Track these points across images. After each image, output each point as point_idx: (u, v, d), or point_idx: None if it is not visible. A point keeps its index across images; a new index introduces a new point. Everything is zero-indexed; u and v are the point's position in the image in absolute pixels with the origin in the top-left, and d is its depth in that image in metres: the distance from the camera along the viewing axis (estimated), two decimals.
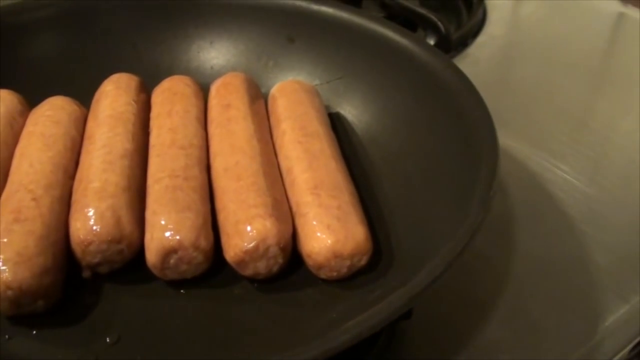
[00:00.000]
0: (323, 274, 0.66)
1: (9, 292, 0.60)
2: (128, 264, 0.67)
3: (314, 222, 0.66)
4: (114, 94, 0.79)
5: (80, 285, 0.67)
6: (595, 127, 0.95)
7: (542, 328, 0.69)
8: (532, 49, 1.11)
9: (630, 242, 0.78)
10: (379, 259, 0.68)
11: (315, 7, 0.89)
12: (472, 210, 0.61)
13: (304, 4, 0.89)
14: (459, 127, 0.71)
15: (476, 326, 0.70)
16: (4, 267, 0.60)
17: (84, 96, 0.82)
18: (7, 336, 0.62)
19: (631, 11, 1.17)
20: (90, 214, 0.65)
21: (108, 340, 0.62)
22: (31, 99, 0.81)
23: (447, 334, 0.69)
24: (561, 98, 1.00)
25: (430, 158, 0.74)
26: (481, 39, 1.12)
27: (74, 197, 0.68)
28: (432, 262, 0.57)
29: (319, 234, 0.65)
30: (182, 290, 0.67)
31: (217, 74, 0.86)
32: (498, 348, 0.68)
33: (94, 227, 0.64)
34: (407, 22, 1.10)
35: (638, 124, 0.94)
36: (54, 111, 0.77)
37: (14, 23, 0.86)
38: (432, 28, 1.05)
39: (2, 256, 0.60)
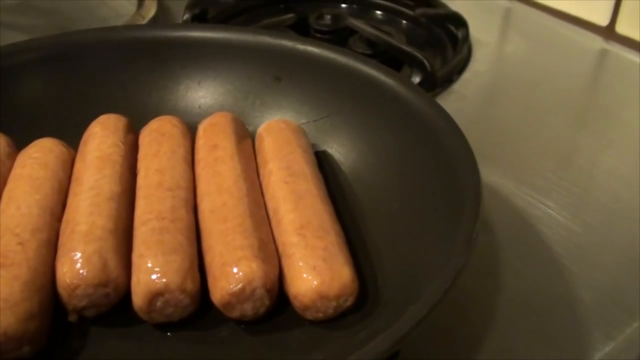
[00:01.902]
0: (309, 315, 0.66)
1: None
2: (114, 307, 0.67)
3: (300, 263, 0.66)
4: (102, 135, 0.80)
5: (66, 329, 0.66)
6: (580, 163, 0.96)
7: None
8: (516, 85, 1.12)
9: (616, 279, 0.78)
10: (365, 299, 0.68)
11: (301, 46, 0.90)
12: (456, 251, 0.61)
13: (290, 44, 0.90)
14: (443, 165, 0.72)
15: None
16: None
17: (73, 137, 0.82)
18: None
19: (614, 47, 1.19)
20: (77, 257, 0.65)
21: None
22: (19, 141, 0.81)
23: None
24: (546, 134, 1.01)
25: (415, 197, 0.75)
26: (466, 75, 1.13)
27: (61, 240, 0.68)
28: (416, 304, 0.57)
29: (305, 275, 0.65)
30: (168, 333, 0.66)
31: (205, 113, 0.87)
32: None
33: (81, 271, 0.64)
34: (394, 59, 1.11)
35: (622, 160, 0.95)
36: (41, 153, 0.78)
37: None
38: (418, 65, 1.07)
39: None
